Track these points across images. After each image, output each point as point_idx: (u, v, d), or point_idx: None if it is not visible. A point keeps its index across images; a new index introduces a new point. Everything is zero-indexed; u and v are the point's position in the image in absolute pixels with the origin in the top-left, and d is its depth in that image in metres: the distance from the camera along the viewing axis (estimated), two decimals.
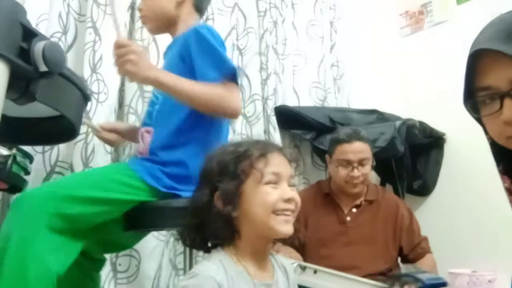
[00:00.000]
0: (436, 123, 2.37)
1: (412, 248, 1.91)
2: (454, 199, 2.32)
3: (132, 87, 1.88)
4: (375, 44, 2.73)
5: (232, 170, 0.95)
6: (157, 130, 1.35)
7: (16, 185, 1.26)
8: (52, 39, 1.35)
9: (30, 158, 1.37)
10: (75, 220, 1.16)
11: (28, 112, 1.15)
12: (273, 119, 2.25)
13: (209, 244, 1.00)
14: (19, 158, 1.25)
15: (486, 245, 2.14)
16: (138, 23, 1.91)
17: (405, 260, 1.94)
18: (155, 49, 1.94)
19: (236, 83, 1.27)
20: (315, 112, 2.29)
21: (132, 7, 1.93)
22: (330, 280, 1.48)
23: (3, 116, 0.86)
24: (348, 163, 1.86)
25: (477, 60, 0.75)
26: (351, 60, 2.68)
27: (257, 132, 2.19)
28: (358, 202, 1.94)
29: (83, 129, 1.67)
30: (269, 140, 1.15)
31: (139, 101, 1.89)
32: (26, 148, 1.39)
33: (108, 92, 1.81)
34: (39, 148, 1.67)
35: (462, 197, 2.28)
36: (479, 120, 0.80)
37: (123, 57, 1.19)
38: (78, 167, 1.68)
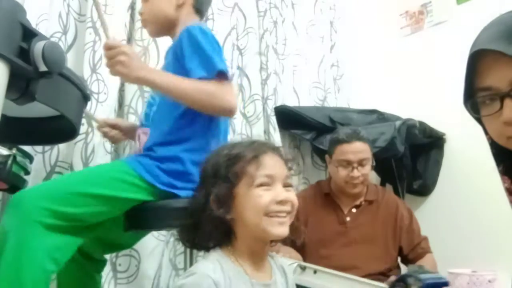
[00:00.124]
0: (436, 123, 2.37)
1: (412, 248, 1.91)
2: (454, 199, 2.32)
3: (132, 87, 1.88)
4: (375, 44, 2.72)
5: (224, 173, 0.96)
6: (154, 129, 1.35)
7: (16, 185, 1.26)
8: (52, 39, 1.35)
9: (30, 158, 1.37)
10: (72, 219, 1.15)
11: (28, 112, 1.15)
12: (273, 119, 2.25)
13: (210, 245, 1.00)
14: (19, 158, 1.25)
15: (486, 245, 2.14)
16: (138, 23, 1.91)
17: (405, 260, 1.94)
18: (155, 49, 1.94)
19: (228, 80, 1.27)
20: (315, 112, 2.29)
21: (132, 7, 1.93)
22: (330, 280, 1.48)
23: (3, 116, 0.86)
24: (348, 163, 1.86)
25: (478, 60, 0.75)
26: (351, 60, 2.67)
27: (257, 132, 2.19)
28: (358, 202, 1.94)
29: (83, 129, 1.67)
30: (266, 140, 1.14)
31: (139, 101, 1.89)
32: (26, 148, 1.39)
33: (108, 92, 1.81)
34: (39, 148, 1.67)
35: (462, 197, 2.28)
36: (479, 120, 0.80)
37: (113, 59, 1.20)
38: (78, 167, 1.68)
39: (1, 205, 1.62)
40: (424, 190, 2.43)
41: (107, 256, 1.68)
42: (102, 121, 1.58)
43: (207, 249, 1.00)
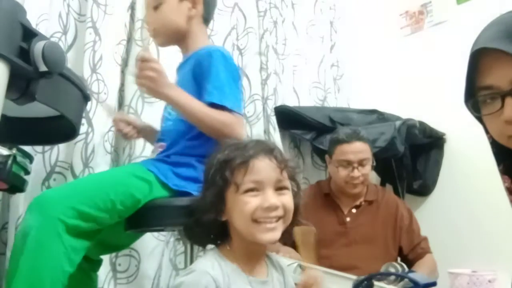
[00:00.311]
0: (436, 123, 2.37)
1: (412, 248, 1.91)
2: (454, 199, 2.32)
3: (132, 87, 1.87)
4: (375, 44, 2.72)
5: (215, 178, 0.97)
6: (170, 144, 1.39)
7: (16, 185, 1.25)
8: (52, 39, 1.35)
9: (30, 158, 1.36)
10: (93, 220, 1.16)
11: (28, 112, 1.15)
12: (273, 119, 2.25)
13: (208, 243, 1.04)
14: (19, 158, 1.25)
15: (486, 245, 2.14)
16: (138, 23, 1.91)
17: (405, 260, 1.93)
18: (156, 49, 1.93)
19: (241, 114, 1.34)
20: (315, 112, 2.29)
21: (132, 7, 1.93)
22: (330, 280, 1.47)
23: (3, 116, 0.86)
24: (348, 163, 1.86)
25: (479, 59, 0.75)
26: (351, 60, 2.68)
27: (257, 132, 2.19)
28: (357, 202, 1.94)
29: (83, 129, 1.67)
30: (264, 141, 1.14)
31: (139, 101, 1.88)
32: (26, 148, 1.38)
33: (108, 92, 1.81)
34: (39, 148, 1.67)
35: (462, 197, 2.28)
36: (479, 119, 0.80)
37: (143, 71, 1.24)
38: (78, 167, 1.68)
39: (1, 205, 1.62)
40: (424, 190, 2.42)
41: (108, 256, 1.68)
42: (120, 116, 1.61)
43: (206, 246, 1.04)
